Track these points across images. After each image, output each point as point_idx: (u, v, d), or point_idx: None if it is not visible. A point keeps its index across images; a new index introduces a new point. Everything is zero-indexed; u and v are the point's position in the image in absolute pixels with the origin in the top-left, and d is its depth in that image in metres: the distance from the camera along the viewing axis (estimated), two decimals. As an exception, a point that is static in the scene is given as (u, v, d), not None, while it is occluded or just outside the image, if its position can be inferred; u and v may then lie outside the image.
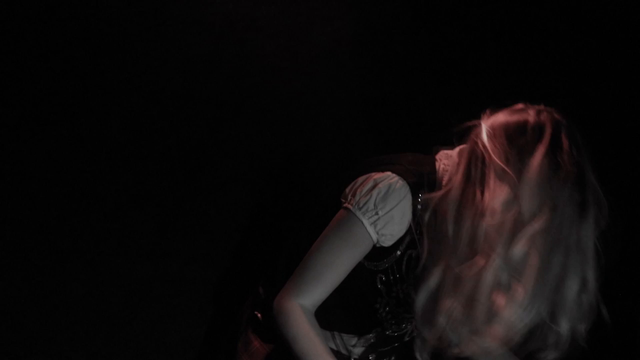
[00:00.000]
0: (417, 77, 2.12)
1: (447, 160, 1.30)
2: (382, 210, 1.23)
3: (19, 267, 1.73)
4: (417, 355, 1.27)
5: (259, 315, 1.49)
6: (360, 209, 1.25)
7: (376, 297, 1.35)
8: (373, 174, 1.28)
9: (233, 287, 1.91)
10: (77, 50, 1.74)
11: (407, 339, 1.47)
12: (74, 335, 1.80)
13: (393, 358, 1.57)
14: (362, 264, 1.29)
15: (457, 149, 1.29)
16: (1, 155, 1.69)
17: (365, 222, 1.24)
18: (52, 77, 1.73)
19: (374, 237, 1.25)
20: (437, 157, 1.32)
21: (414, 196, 1.25)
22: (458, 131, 1.23)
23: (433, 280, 1.17)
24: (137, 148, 1.85)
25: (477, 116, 1.21)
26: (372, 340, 1.44)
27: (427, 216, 1.24)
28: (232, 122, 1.98)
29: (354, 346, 1.45)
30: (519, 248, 1.10)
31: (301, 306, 1.25)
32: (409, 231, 1.27)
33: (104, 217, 1.82)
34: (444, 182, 1.26)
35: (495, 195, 1.11)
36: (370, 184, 1.27)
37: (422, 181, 1.26)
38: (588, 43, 2.03)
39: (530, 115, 1.16)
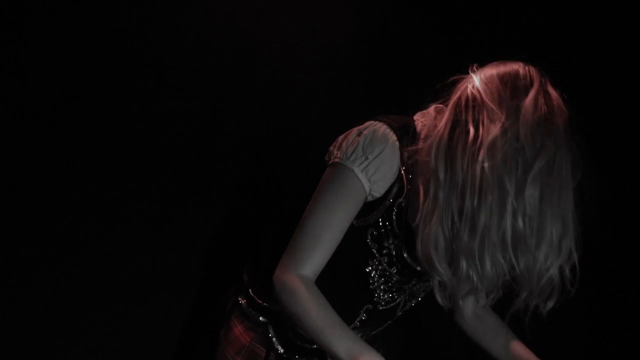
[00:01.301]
0: (418, 75, 2.12)
1: (424, 118, 1.29)
2: (372, 155, 1.22)
3: (14, 262, 1.73)
4: (439, 299, 1.27)
5: (242, 301, 1.48)
6: (348, 158, 1.23)
7: (368, 259, 1.31)
8: (354, 128, 1.28)
9: (219, 276, 1.90)
10: (76, 49, 1.74)
11: (399, 313, 1.45)
12: (69, 327, 1.81)
13: (381, 352, 1.58)
14: (351, 225, 1.26)
15: (432, 106, 1.29)
16: (2, 155, 1.68)
17: (356, 169, 1.22)
18: (52, 77, 1.72)
19: (366, 185, 1.22)
20: (414, 117, 1.30)
21: (400, 142, 1.24)
22: (444, 85, 1.23)
23: (433, 230, 1.17)
24: (133, 143, 1.84)
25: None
26: (363, 318, 1.41)
27: (413, 166, 1.23)
28: (229, 119, 1.97)
29: None
30: (531, 188, 1.10)
31: (303, 278, 1.21)
32: (398, 178, 1.24)
33: (93, 210, 1.82)
34: (422, 135, 1.25)
35: (491, 132, 1.11)
36: (354, 134, 1.26)
37: (405, 131, 1.25)
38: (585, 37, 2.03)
39: (520, 66, 1.18)
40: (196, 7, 1.86)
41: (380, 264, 1.32)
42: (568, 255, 1.18)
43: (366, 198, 1.25)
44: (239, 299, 1.49)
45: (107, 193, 1.82)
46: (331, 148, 1.29)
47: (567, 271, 1.19)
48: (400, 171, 1.24)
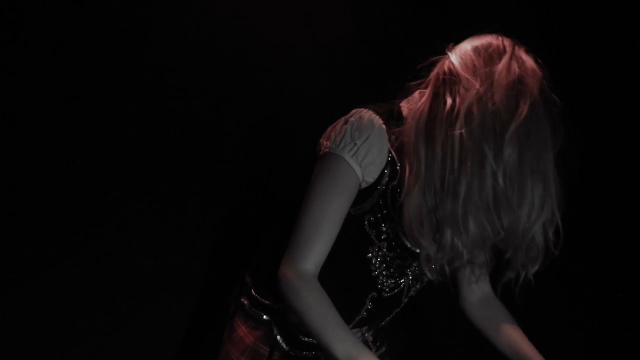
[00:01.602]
0: (419, 75, 2.12)
1: (409, 103, 1.31)
2: (360, 140, 1.24)
3: (15, 263, 1.73)
4: (427, 273, 1.30)
5: (245, 302, 1.49)
6: (338, 146, 1.25)
7: (367, 246, 1.33)
8: (341, 118, 1.31)
9: (221, 278, 1.91)
10: (76, 49, 1.74)
11: (404, 300, 1.46)
12: (72, 332, 1.81)
13: (384, 349, 1.58)
14: (348, 213, 1.28)
15: (417, 91, 1.31)
16: (2, 155, 1.68)
17: (347, 156, 1.24)
18: (52, 78, 1.72)
19: (358, 171, 1.24)
20: (400, 104, 1.33)
21: (387, 125, 1.26)
22: (423, 66, 1.27)
23: (416, 202, 1.20)
24: (133, 144, 1.85)
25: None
26: (369, 307, 1.42)
27: (401, 147, 1.25)
28: (229, 121, 1.97)
29: (351, 328, 1.45)
30: (509, 149, 1.12)
31: (306, 274, 1.23)
32: (389, 162, 1.26)
33: (100, 215, 1.82)
34: (409, 119, 1.27)
35: (467, 99, 1.14)
36: (341, 123, 1.30)
37: (390, 116, 1.28)
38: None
39: (494, 37, 1.22)
40: (196, 7, 1.86)
41: (380, 249, 1.34)
42: (551, 215, 1.20)
43: (360, 185, 1.27)
44: (242, 299, 1.50)
45: (107, 194, 1.82)
46: (321, 140, 1.32)
47: (550, 232, 1.22)
48: (389, 154, 1.26)
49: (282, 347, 1.44)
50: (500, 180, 1.13)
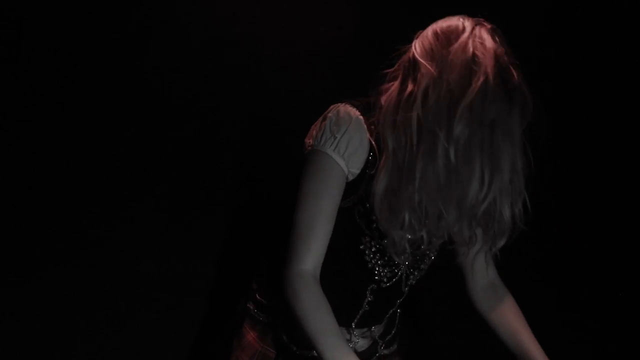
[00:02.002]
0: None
1: (387, 94, 1.33)
2: (339, 133, 1.27)
3: (15, 263, 1.73)
4: (394, 257, 1.31)
5: (251, 307, 1.51)
6: (319, 143, 1.29)
7: (360, 237, 1.35)
8: (321, 116, 1.34)
9: (230, 285, 1.91)
10: (77, 49, 1.74)
11: (405, 289, 1.47)
12: (72, 333, 1.81)
13: (395, 347, 1.58)
14: (340, 207, 1.31)
15: (394, 82, 1.33)
16: (3, 155, 1.68)
17: (329, 150, 1.27)
18: (53, 79, 1.72)
19: (342, 164, 1.27)
20: (382, 98, 1.34)
21: (364, 116, 1.29)
22: (395, 56, 1.30)
23: (382, 186, 1.23)
24: (135, 146, 1.85)
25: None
26: (370, 299, 1.43)
27: (379, 137, 1.27)
28: (230, 122, 1.97)
29: (355, 327, 1.45)
30: (460, 126, 1.14)
31: (306, 275, 1.24)
32: (371, 152, 1.29)
33: (100, 215, 1.82)
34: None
35: (423, 83, 1.18)
36: (320, 120, 1.33)
37: (367, 107, 1.31)
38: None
39: (456, 18, 1.24)
40: (196, 7, 1.86)
41: (372, 239, 1.35)
42: (517, 192, 1.22)
43: (347, 177, 1.29)
44: (248, 305, 1.51)
45: (107, 194, 1.82)
46: (305, 139, 1.34)
47: (516, 209, 1.24)
48: (371, 144, 1.28)
49: (289, 347, 1.45)
50: (452, 158, 1.15)
